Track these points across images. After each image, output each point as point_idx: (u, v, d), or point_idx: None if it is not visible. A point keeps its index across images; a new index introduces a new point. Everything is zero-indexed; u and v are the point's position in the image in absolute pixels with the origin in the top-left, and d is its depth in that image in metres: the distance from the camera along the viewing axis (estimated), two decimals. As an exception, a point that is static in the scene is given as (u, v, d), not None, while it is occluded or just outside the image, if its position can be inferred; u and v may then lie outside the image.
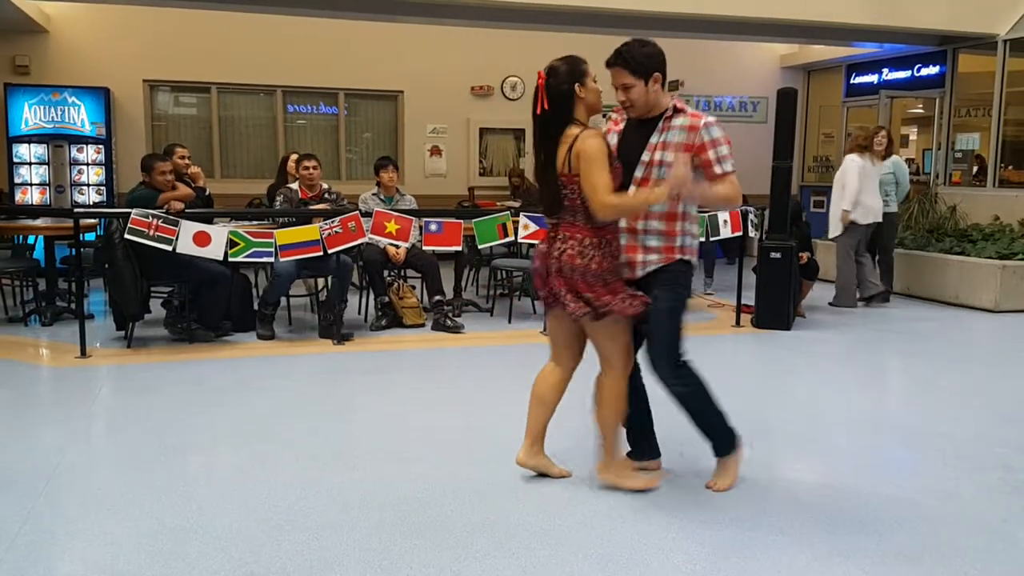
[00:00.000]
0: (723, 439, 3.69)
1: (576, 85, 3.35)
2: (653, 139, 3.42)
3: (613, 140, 3.53)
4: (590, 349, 3.63)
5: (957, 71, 11.28)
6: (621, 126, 3.57)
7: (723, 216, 7.39)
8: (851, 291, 8.45)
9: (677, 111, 3.43)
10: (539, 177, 3.49)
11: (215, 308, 6.49)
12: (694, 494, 3.66)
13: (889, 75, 12.34)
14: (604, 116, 3.70)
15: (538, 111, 3.38)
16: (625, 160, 3.42)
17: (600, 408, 3.60)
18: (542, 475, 3.77)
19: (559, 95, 3.35)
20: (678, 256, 3.46)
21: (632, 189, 3.40)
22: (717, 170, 3.39)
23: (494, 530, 3.26)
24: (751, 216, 7.60)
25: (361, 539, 3.17)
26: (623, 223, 3.47)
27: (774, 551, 3.12)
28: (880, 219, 8.36)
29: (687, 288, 3.55)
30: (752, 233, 7.71)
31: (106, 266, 6.34)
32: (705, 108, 13.29)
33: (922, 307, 8.63)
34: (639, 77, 3.36)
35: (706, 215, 7.38)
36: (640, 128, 3.48)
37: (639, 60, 3.37)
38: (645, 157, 3.41)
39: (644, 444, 3.88)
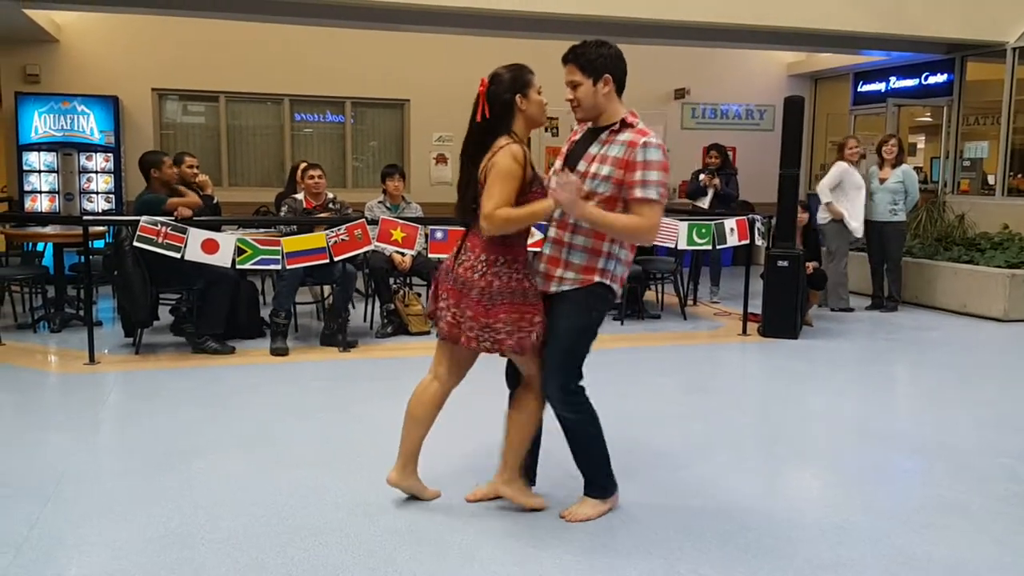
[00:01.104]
0: (599, 481, 3.49)
1: (517, 96, 3.22)
2: (593, 150, 3.25)
3: (565, 148, 3.40)
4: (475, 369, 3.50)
5: (965, 79, 11.26)
6: (578, 136, 3.42)
7: (730, 224, 7.39)
8: (835, 292, 8.59)
9: (625, 125, 3.24)
10: (461, 184, 3.34)
11: (217, 311, 6.43)
12: (701, 505, 3.66)
13: (897, 83, 12.34)
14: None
15: (478, 119, 3.24)
16: (569, 167, 3.29)
17: (521, 425, 3.44)
18: (414, 498, 3.63)
19: (499, 104, 3.22)
20: (597, 278, 3.25)
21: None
22: (637, 193, 3.14)
23: (499, 537, 3.26)
24: (758, 224, 7.60)
25: (366, 544, 3.18)
26: (551, 233, 3.33)
27: (782, 560, 3.12)
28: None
29: (598, 312, 3.32)
30: (759, 241, 7.70)
31: (115, 273, 6.37)
32: (712, 116, 13.30)
33: (930, 316, 8.60)
34: (588, 75, 3.22)
35: (712, 223, 7.39)
36: (591, 138, 3.32)
37: (591, 58, 3.23)
38: (581, 167, 3.24)
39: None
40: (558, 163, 3.41)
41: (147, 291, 6.26)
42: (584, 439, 3.42)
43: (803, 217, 7.79)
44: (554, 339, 3.28)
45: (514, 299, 3.21)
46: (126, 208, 10.33)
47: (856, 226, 8.50)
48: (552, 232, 3.35)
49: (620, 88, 3.30)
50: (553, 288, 3.30)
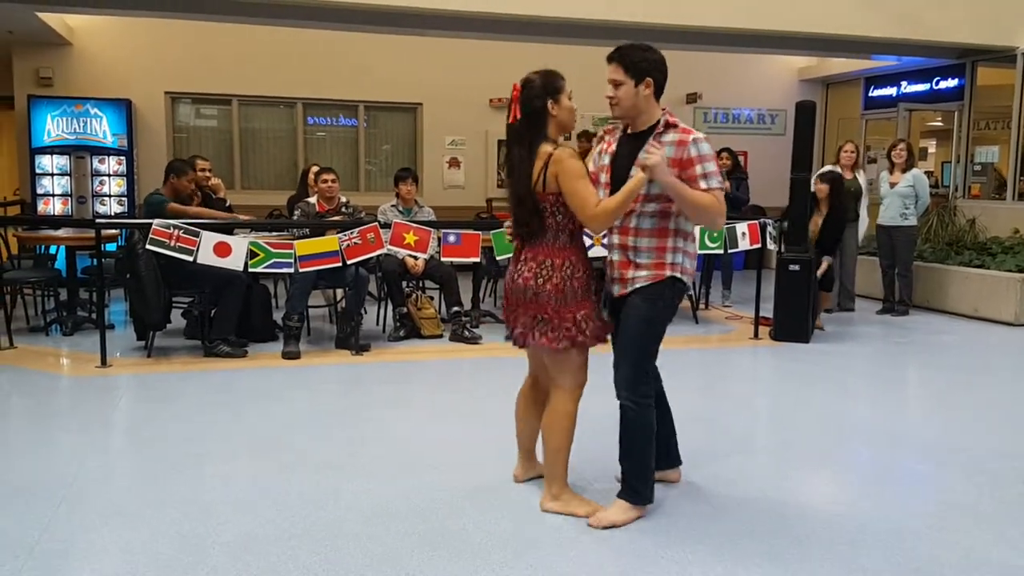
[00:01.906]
0: (639, 485, 3.48)
1: (549, 101, 3.31)
2: (651, 152, 3.31)
3: (606, 160, 3.48)
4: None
5: (976, 84, 11.23)
6: (614, 146, 3.50)
7: (741, 228, 7.38)
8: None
9: (669, 126, 3.34)
10: (514, 196, 3.40)
11: (228, 314, 6.45)
12: (713, 508, 3.65)
13: (908, 88, 12.31)
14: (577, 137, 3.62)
15: (510, 119, 3.36)
16: (618, 176, 3.37)
17: (545, 431, 3.52)
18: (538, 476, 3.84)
19: (532, 110, 3.31)
20: (668, 273, 3.36)
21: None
22: (703, 185, 3.28)
23: (511, 542, 3.26)
24: (769, 228, 7.58)
25: (379, 549, 3.18)
26: (615, 240, 3.43)
27: (793, 564, 3.11)
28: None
29: (669, 306, 3.43)
30: (771, 245, 7.68)
31: (127, 276, 6.40)
32: (723, 120, 13.29)
33: (942, 320, 8.58)
34: (631, 76, 3.31)
35: (724, 228, 7.37)
36: (632, 143, 3.41)
37: (635, 60, 3.32)
38: (634, 171, 3.30)
39: (663, 453, 3.75)
40: (603, 176, 3.48)
41: (160, 293, 6.29)
42: (637, 435, 3.45)
43: (823, 188, 7.75)
44: (625, 330, 3.41)
45: (582, 296, 3.35)
46: (138, 211, 10.38)
47: None
48: (616, 239, 3.44)
49: (659, 92, 3.38)
50: (628, 288, 3.41)
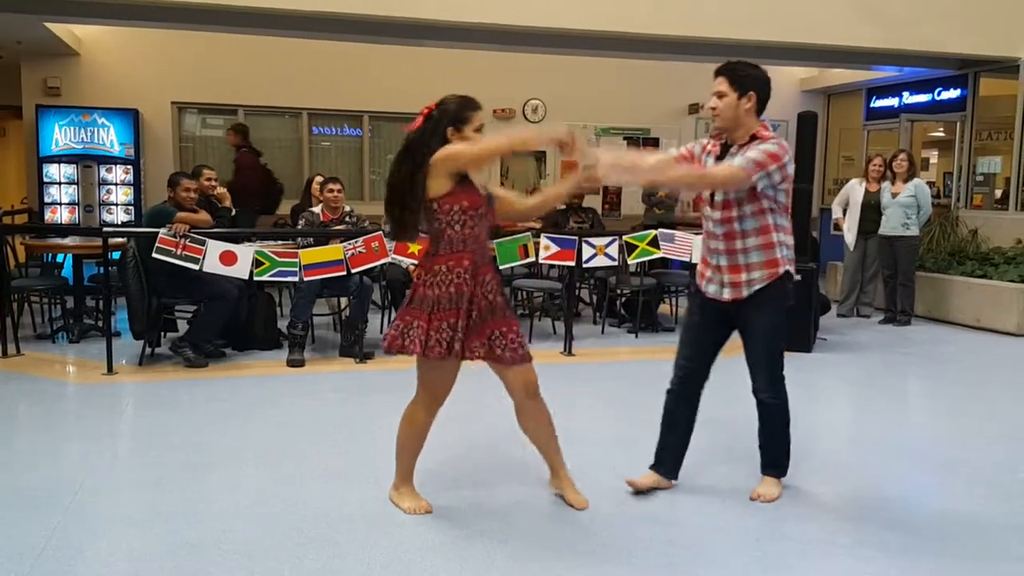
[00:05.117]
0: (781, 460, 3.89)
1: (450, 129, 3.41)
2: (726, 160, 3.53)
3: (710, 162, 3.64)
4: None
5: (978, 95, 11.26)
6: (717, 149, 3.68)
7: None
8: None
9: (754, 138, 3.53)
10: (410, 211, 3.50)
11: (209, 324, 6.47)
12: (714, 519, 3.68)
13: (910, 99, 12.34)
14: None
15: (412, 127, 3.45)
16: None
17: (536, 431, 3.72)
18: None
19: (435, 130, 3.40)
20: (781, 269, 3.58)
21: (705, 209, 3.63)
22: (737, 161, 3.47)
23: (517, 550, 3.29)
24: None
25: (383, 556, 3.21)
26: (719, 245, 3.60)
27: (794, 573, 3.13)
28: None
29: (787, 303, 3.68)
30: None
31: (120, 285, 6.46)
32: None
33: (944, 330, 8.59)
34: (735, 89, 3.52)
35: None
36: (724, 154, 3.61)
37: (741, 75, 3.55)
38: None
39: (669, 462, 3.94)
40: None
41: (144, 304, 6.31)
42: (779, 422, 3.83)
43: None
44: (759, 337, 3.70)
45: (434, 306, 3.56)
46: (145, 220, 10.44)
47: (848, 239, 9.14)
48: (721, 245, 3.62)
49: (761, 108, 3.58)
50: (745, 292, 3.60)
